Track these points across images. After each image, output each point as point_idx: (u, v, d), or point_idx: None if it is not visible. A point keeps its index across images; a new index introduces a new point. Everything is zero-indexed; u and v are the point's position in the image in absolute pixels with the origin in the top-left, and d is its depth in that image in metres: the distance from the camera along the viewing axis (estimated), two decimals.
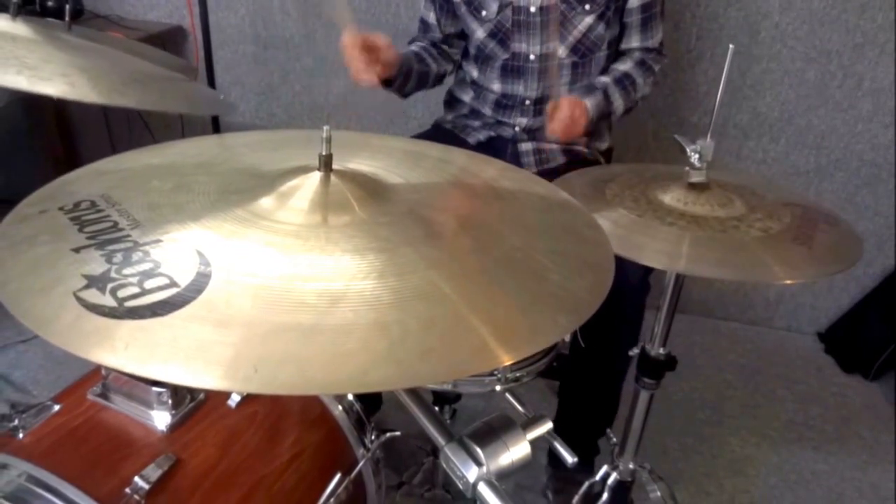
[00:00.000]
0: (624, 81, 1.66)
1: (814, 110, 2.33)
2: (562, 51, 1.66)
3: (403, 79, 1.67)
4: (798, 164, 2.43)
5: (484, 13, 1.68)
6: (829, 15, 2.19)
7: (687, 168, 1.18)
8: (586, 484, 1.53)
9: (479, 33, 1.72)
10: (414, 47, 1.80)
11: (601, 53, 1.69)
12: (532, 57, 1.68)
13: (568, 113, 1.51)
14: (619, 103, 1.66)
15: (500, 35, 1.69)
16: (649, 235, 1.09)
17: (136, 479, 0.89)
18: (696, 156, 1.16)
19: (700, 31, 2.30)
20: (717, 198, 1.17)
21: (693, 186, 1.18)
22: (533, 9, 1.63)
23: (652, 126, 2.47)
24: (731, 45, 1.12)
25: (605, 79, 1.66)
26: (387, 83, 1.65)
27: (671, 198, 1.18)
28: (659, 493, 1.54)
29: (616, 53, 1.74)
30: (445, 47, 1.83)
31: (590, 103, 1.58)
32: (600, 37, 1.66)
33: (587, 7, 1.61)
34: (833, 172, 2.41)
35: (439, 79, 1.84)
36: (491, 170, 1.01)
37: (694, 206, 1.15)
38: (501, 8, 1.65)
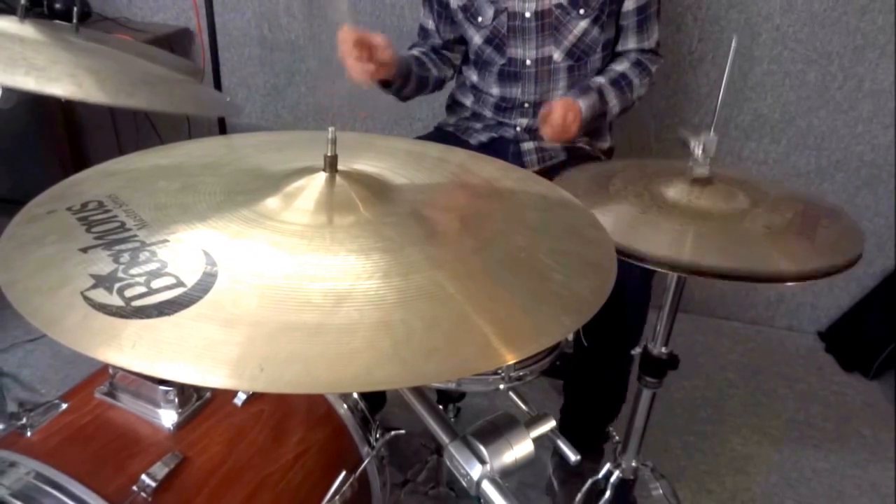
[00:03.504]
0: (620, 82, 1.67)
1: (814, 112, 2.34)
2: (557, 55, 1.67)
3: (402, 81, 1.67)
4: (799, 165, 2.43)
5: (480, 19, 1.69)
6: (829, 17, 2.19)
7: (690, 163, 1.18)
8: (589, 482, 1.53)
9: (477, 39, 1.73)
10: (415, 52, 1.80)
11: (597, 57, 1.70)
12: (528, 62, 1.68)
13: (560, 116, 1.50)
14: (614, 103, 1.66)
15: (496, 41, 1.69)
16: (653, 231, 1.09)
17: (143, 476, 0.90)
18: (700, 150, 1.17)
19: (702, 32, 2.31)
20: (720, 192, 1.17)
21: (696, 181, 1.18)
22: (528, 14, 1.63)
23: (654, 127, 2.47)
24: (734, 36, 1.13)
25: (600, 79, 1.66)
26: (385, 84, 1.65)
27: (675, 192, 1.17)
28: (661, 491, 1.54)
29: (612, 56, 1.75)
30: (446, 52, 1.84)
31: (583, 104, 1.58)
32: (595, 40, 1.67)
33: (581, 11, 1.62)
34: (833, 173, 2.41)
35: (439, 84, 1.85)
36: (493, 170, 1.02)
37: (698, 201, 1.15)
38: (497, 14, 1.66)
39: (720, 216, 1.12)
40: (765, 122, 2.39)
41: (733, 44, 1.12)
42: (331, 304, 0.62)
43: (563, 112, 1.51)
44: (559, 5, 1.61)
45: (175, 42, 2.68)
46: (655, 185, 1.21)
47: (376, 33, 1.49)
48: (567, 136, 1.55)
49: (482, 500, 0.72)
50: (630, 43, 1.72)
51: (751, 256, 1.05)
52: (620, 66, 1.71)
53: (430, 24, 1.82)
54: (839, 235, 1.14)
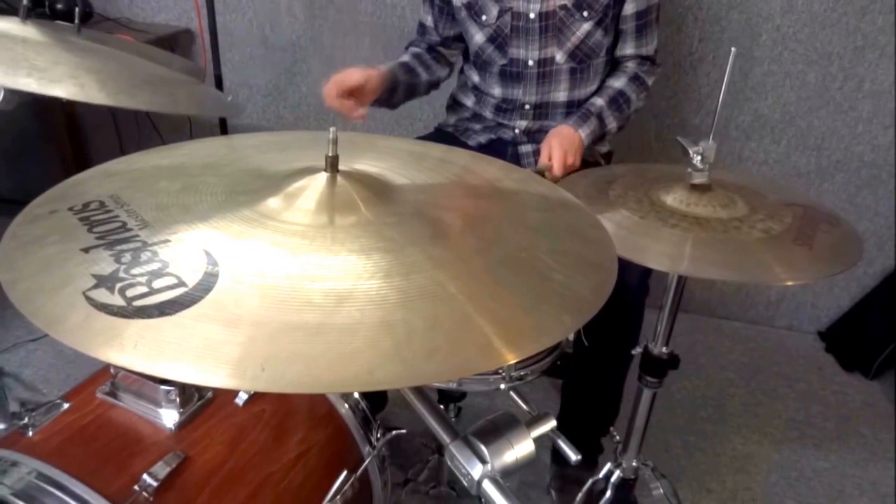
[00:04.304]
0: (618, 100, 1.67)
1: (815, 112, 2.34)
2: (560, 56, 1.67)
3: (389, 93, 1.68)
4: (799, 166, 2.43)
5: (484, 18, 1.69)
6: (829, 18, 2.20)
7: (689, 170, 1.19)
8: (590, 481, 1.54)
9: (479, 38, 1.72)
10: (406, 56, 1.79)
11: (600, 60, 1.69)
12: (531, 62, 1.68)
13: (560, 156, 1.48)
14: (613, 125, 1.66)
15: (498, 40, 1.69)
16: (652, 237, 1.10)
17: (145, 476, 0.91)
18: (699, 157, 1.17)
19: (702, 33, 2.31)
20: (719, 199, 1.18)
21: (695, 188, 1.19)
22: (532, 15, 1.63)
23: (654, 127, 2.48)
24: (732, 49, 1.13)
25: (600, 102, 1.65)
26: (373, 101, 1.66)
27: (673, 199, 1.18)
28: (661, 491, 1.55)
29: (611, 60, 1.75)
30: (443, 50, 1.84)
31: (584, 133, 1.58)
32: (598, 43, 1.66)
33: (585, 14, 1.62)
34: (833, 173, 2.41)
35: (432, 86, 1.84)
36: (494, 170, 1.02)
37: (696, 208, 1.16)
38: (501, 13, 1.66)
39: (719, 223, 1.13)
40: (765, 122, 2.39)
41: (732, 55, 1.12)
42: (332, 303, 0.62)
43: (561, 151, 1.48)
44: (563, 7, 1.61)
45: (176, 43, 2.69)
46: (655, 191, 1.22)
47: (350, 70, 1.52)
48: (572, 168, 1.53)
49: (483, 500, 0.72)
50: (628, 48, 1.71)
51: (749, 263, 1.05)
52: (618, 83, 1.69)
53: (429, 21, 1.81)
54: (838, 241, 1.14)
